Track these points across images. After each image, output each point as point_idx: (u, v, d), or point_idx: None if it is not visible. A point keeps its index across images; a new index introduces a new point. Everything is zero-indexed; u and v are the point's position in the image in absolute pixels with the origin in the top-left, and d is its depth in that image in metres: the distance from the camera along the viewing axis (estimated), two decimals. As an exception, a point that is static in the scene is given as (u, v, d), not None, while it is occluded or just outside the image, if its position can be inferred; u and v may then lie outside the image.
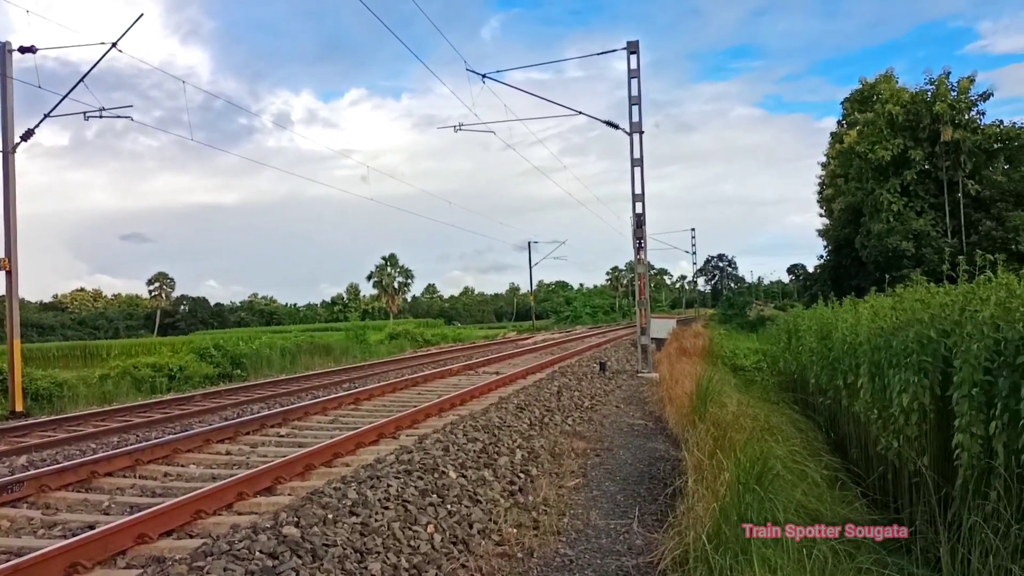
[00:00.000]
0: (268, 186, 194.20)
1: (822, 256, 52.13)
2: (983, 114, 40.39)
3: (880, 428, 7.33)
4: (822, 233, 54.60)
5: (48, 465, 8.23)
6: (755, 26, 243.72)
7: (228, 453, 9.12)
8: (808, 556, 4.34)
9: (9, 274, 16.13)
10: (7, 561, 4.76)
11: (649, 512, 7.25)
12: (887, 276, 16.77)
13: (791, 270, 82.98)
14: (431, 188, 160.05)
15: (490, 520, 6.61)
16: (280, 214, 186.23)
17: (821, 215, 56.23)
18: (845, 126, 48.02)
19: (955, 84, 40.11)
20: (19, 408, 15.58)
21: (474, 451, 8.41)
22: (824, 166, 54.12)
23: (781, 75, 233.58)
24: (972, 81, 40.13)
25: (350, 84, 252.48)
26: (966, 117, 39.67)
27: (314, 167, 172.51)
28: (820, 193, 55.68)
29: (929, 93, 40.28)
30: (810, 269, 64.39)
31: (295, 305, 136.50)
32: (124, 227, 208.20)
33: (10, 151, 16.25)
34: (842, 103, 49.11)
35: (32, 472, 7.46)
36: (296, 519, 5.35)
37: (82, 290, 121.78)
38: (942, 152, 39.41)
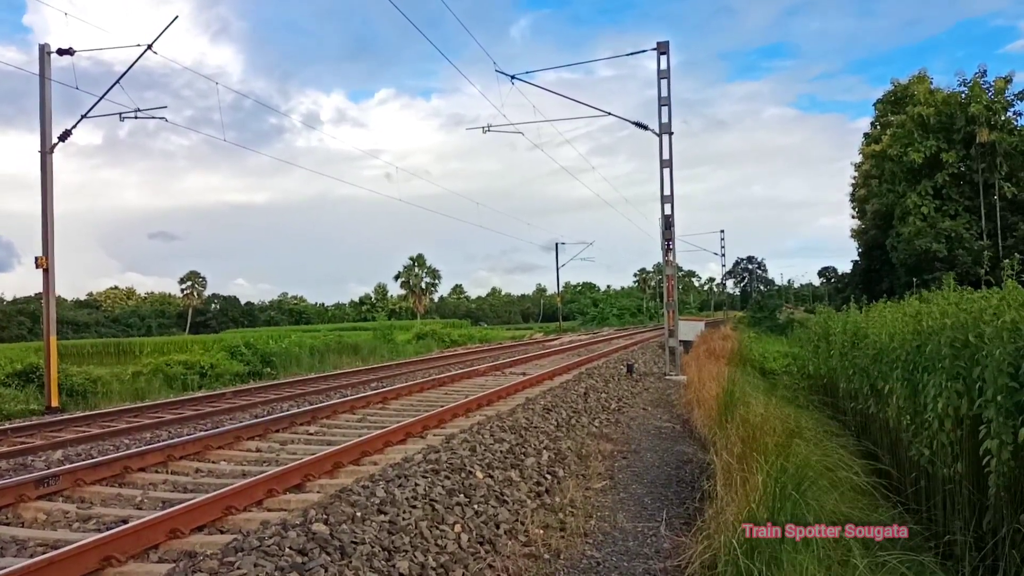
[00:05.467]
0: (297, 186, 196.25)
1: (855, 260, 51.57)
2: (1020, 115, 39.62)
3: (912, 435, 7.22)
4: (855, 235, 53.98)
5: (83, 460, 8.36)
6: (788, 25, 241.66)
7: (258, 450, 9.21)
8: (844, 564, 4.28)
9: (46, 271, 16.41)
10: (43, 554, 4.85)
11: (676, 515, 7.21)
12: (916, 279, 16.49)
13: (822, 273, 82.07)
14: (458, 188, 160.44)
15: (517, 520, 6.62)
16: (309, 214, 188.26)
17: (854, 216, 55.65)
18: (879, 127, 47.43)
19: (991, 83, 39.36)
20: (55, 403, 15.87)
21: (501, 451, 8.41)
22: (857, 167, 53.49)
23: (815, 74, 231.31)
24: (1008, 81, 39.39)
25: (379, 84, 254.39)
26: (1002, 118, 38.92)
27: (343, 167, 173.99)
28: (853, 194, 55.04)
29: (963, 94, 39.57)
30: (842, 272, 63.59)
31: (323, 304, 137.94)
32: (153, 225, 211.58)
33: (48, 152, 16.56)
34: (875, 104, 48.64)
35: (67, 466, 7.58)
36: (325, 516, 5.38)
37: (116, 288, 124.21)
38: (977, 154, 38.68)
